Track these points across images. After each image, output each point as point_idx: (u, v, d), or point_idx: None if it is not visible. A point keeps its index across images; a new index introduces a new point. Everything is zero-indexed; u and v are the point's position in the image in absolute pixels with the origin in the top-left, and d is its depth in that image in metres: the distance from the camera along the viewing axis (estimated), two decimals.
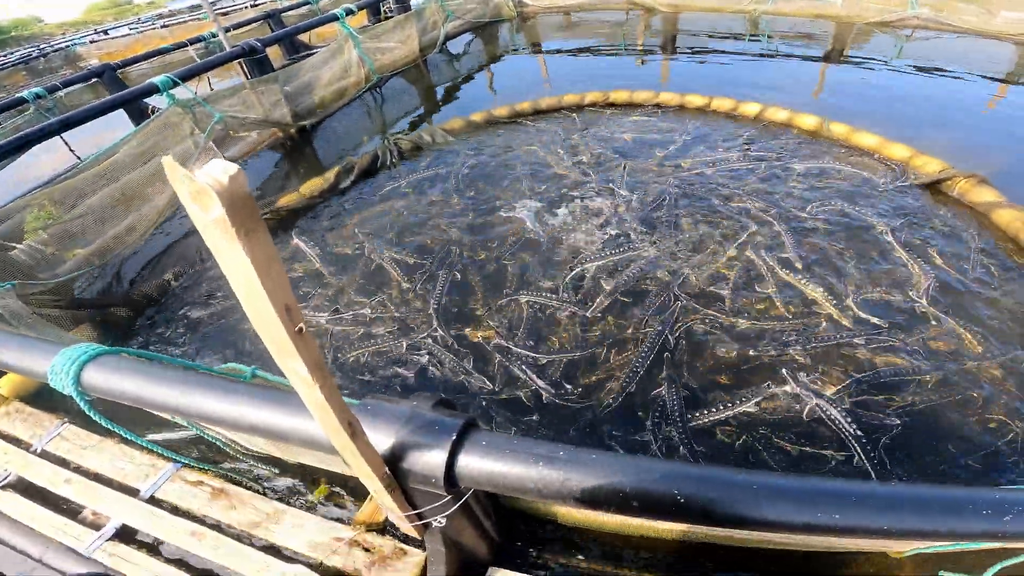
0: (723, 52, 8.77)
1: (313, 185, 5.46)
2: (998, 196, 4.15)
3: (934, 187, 4.46)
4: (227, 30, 9.20)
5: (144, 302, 4.28)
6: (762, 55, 8.41)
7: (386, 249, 4.39)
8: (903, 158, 4.85)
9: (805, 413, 2.78)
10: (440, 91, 8.65)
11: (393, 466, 1.38)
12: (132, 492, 2.51)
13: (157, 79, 5.06)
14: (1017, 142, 5.18)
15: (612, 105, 6.75)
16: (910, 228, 4.02)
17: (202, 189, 0.56)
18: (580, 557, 2.23)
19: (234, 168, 0.57)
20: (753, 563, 2.13)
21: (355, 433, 1.07)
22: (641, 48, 9.50)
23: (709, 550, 2.18)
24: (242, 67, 6.59)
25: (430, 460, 1.34)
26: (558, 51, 10.04)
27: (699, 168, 5.09)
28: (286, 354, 0.82)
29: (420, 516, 1.64)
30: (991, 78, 6.81)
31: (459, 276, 4.03)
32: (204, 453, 2.86)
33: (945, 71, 7.11)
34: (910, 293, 3.46)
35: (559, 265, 4.03)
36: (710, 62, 8.42)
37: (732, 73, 7.79)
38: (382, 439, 1.37)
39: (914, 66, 7.37)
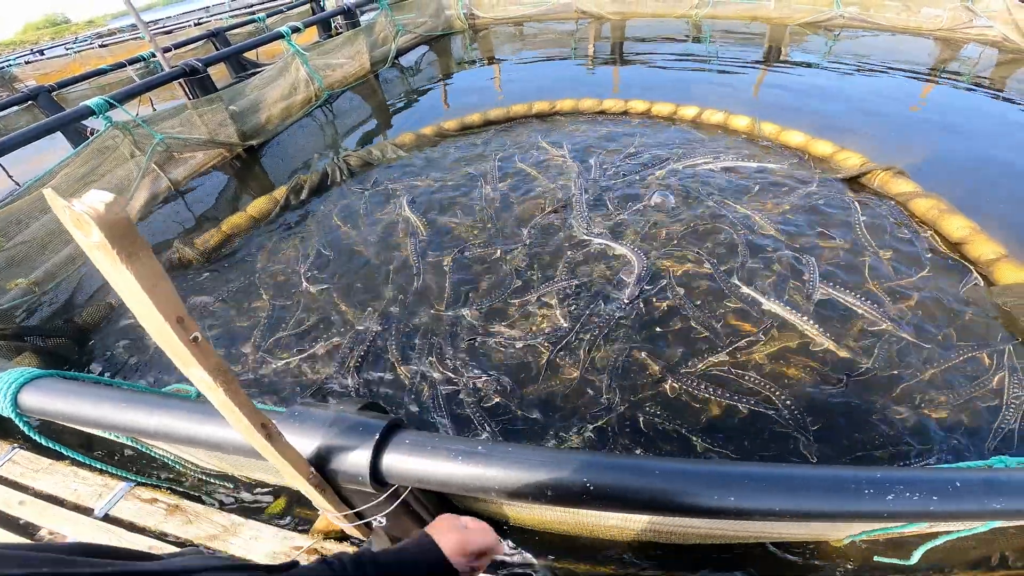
0: (668, 56, 9.11)
1: (262, 205, 5.43)
2: (915, 187, 4.46)
3: (855, 180, 4.76)
4: (169, 49, 9.03)
5: (89, 328, 4.19)
6: (705, 58, 8.77)
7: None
8: (827, 154, 5.16)
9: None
10: (392, 106, 8.68)
11: (321, 467, 1.44)
12: (87, 511, 2.51)
13: (91, 101, 4.95)
14: (933, 134, 5.57)
15: (559, 114, 6.93)
16: (834, 219, 4.29)
17: (80, 217, 0.62)
18: (535, 558, 2.30)
19: (110, 196, 0.64)
20: (705, 554, 2.21)
21: (271, 435, 1.14)
22: (591, 55, 9.75)
23: (663, 547, 2.24)
24: (184, 87, 6.49)
25: (356, 460, 1.40)
26: (510, 61, 10.22)
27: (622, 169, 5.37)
28: (187, 362, 0.89)
29: (360, 516, 1.71)
30: (912, 72, 7.31)
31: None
32: (157, 472, 2.86)
33: (869, 67, 7.59)
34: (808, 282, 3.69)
35: None
36: (656, 66, 8.74)
37: (676, 76, 8.12)
38: (309, 442, 1.44)
39: (841, 64, 7.84)
